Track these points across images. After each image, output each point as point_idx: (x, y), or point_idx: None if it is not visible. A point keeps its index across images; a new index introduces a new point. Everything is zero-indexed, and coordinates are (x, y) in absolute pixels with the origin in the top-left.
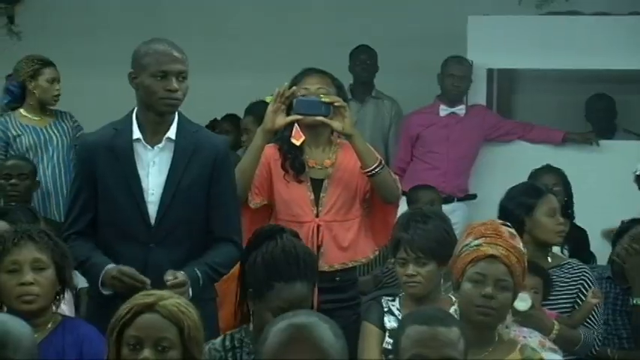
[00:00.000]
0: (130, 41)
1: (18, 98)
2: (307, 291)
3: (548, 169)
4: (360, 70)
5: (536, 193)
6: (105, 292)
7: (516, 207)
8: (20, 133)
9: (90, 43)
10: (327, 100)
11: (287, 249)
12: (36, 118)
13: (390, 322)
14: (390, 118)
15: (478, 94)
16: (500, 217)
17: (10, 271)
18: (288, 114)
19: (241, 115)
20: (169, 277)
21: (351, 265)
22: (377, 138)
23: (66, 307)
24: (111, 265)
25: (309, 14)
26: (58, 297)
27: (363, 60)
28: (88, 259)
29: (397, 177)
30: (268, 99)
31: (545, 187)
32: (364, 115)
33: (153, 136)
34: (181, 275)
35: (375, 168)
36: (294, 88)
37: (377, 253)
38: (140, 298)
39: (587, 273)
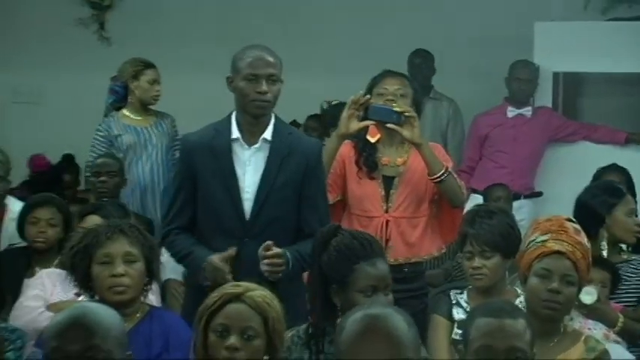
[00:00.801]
0: (211, 45)
1: (122, 98)
2: (386, 267)
3: (614, 168)
4: (415, 73)
5: (618, 193)
6: (204, 284)
7: (598, 204)
8: (122, 132)
9: (173, 47)
10: (399, 109)
11: (355, 235)
12: (138, 118)
13: (458, 314)
14: (448, 118)
15: (544, 97)
16: (577, 212)
17: (103, 263)
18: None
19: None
20: (270, 247)
21: (414, 261)
22: (436, 137)
23: (153, 298)
24: (209, 257)
25: (382, 19)
26: (146, 288)
27: (418, 64)
28: (191, 252)
29: (463, 183)
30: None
31: (620, 187)
32: (423, 117)
33: (250, 136)
34: (277, 249)
35: (441, 175)
36: (367, 96)
37: (443, 251)
38: (229, 288)
39: None
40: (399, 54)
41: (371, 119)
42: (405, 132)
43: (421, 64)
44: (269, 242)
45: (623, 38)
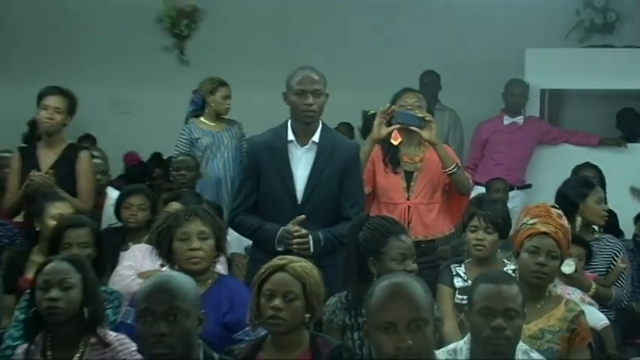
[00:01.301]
0: (270, 66)
1: (200, 108)
2: (411, 240)
3: (588, 165)
4: (424, 91)
5: (590, 185)
6: (279, 249)
7: (574, 194)
8: (200, 136)
9: (238, 68)
10: (420, 114)
11: (383, 217)
12: (213, 125)
13: (458, 283)
14: (449, 125)
15: (533, 108)
16: (557, 200)
17: (182, 240)
18: (389, 125)
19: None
20: (295, 227)
21: (429, 239)
22: None
23: (221, 268)
24: (282, 228)
25: (400, 46)
26: (215, 260)
27: (427, 82)
28: (261, 226)
29: (469, 175)
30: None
31: (592, 181)
32: None
33: (302, 139)
34: (304, 230)
35: (453, 169)
36: (393, 107)
37: (452, 231)
38: (276, 261)
39: (618, 245)
40: (412, 74)
41: (397, 124)
42: (425, 133)
43: (429, 83)
44: (300, 217)
45: (598, 62)
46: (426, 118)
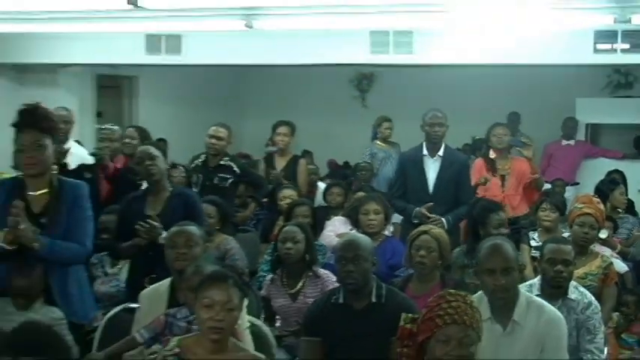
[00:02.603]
0: (416, 105)
1: (375, 135)
2: (505, 215)
3: (614, 171)
4: (509, 124)
5: (615, 183)
6: (414, 222)
7: (605, 189)
8: (377, 152)
9: (398, 110)
10: (523, 139)
11: (487, 201)
12: (383, 145)
13: (533, 243)
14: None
15: (580, 135)
16: (595, 192)
17: (364, 214)
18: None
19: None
20: (430, 208)
21: (516, 216)
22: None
23: (387, 231)
24: (416, 209)
25: (489, 90)
26: (384, 226)
27: (512, 119)
28: (406, 207)
29: (542, 177)
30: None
31: (617, 180)
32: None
33: (432, 153)
34: (434, 216)
35: (536, 175)
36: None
37: (528, 211)
38: (422, 228)
39: (634, 221)
40: (501, 113)
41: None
42: (525, 152)
43: (513, 119)
44: (429, 204)
45: (621, 106)
46: (527, 142)
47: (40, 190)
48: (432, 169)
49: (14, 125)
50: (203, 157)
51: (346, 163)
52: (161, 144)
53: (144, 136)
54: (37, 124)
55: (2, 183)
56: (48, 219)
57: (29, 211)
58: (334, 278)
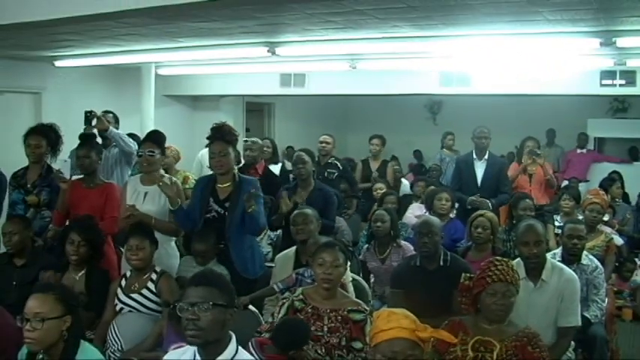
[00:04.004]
0: (469, 123)
1: (442, 146)
2: (532, 202)
3: (614, 172)
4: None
5: (613, 180)
6: (469, 207)
7: (606, 185)
8: (444, 157)
9: (460, 127)
10: (538, 152)
11: (520, 192)
12: (448, 152)
13: (556, 223)
14: (559, 153)
15: (590, 145)
16: (600, 186)
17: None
18: None
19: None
20: (475, 199)
21: (540, 204)
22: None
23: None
24: (470, 198)
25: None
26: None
27: (548, 134)
28: (461, 197)
29: (553, 178)
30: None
31: (615, 178)
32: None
33: (480, 157)
34: (484, 199)
35: (548, 177)
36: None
37: (549, 201)
38: (479, 212)
39: (628, 207)
40: (539, 129)
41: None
42: (538, 160)
43: (550, 134)
44: (477, 195)
45: (620, 125)
46: (542, 154)
47: (225, 183)
48: (479, 169)
49: (208, 138)
50: (316, 157)
51: (422, 165)
52: (290, 150)
53: (274, 145)
54: (223, 137)
55: (202, 179)
56: (230, 203)
57: (217, 198)
58: (412, 248)
